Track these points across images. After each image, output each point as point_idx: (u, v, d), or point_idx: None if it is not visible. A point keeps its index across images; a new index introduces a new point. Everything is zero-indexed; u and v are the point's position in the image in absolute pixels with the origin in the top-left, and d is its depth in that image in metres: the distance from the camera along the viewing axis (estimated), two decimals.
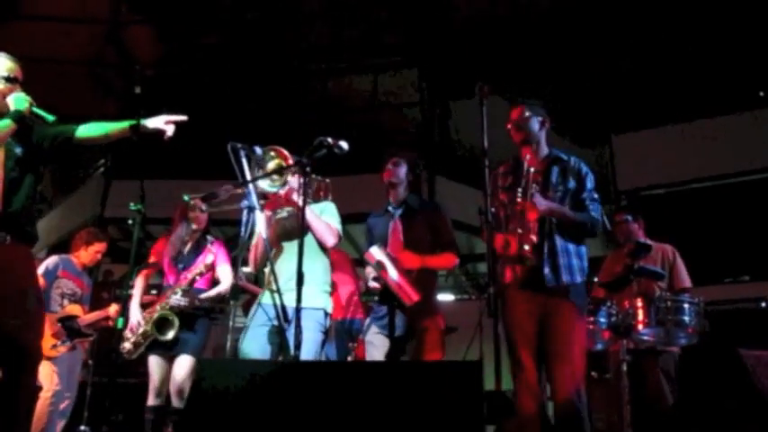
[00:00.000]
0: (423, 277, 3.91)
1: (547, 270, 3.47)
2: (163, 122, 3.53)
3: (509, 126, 3.74)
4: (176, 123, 3.56)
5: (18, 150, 3.42)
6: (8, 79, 3.41)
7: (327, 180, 3.65)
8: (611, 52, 8.83)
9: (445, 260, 4.10)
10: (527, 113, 3.70)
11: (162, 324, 4.62)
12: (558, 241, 3.53)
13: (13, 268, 3.31)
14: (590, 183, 3.65)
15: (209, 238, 4.95)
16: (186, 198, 4.59)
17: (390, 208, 4.26)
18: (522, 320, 3.46)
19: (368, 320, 4.24)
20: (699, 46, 8.27)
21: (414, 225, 4.12)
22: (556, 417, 3.49)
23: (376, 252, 3.77)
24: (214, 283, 4.87)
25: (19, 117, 3.31)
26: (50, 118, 3.39)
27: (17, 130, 3.33)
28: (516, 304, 3.48)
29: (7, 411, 3.18)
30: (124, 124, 3.51)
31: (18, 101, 3.33)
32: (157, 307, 4.68)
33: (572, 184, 3.62)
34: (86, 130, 3.58)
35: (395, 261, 3.80)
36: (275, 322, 3.62)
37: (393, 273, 3.71)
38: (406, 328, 3.92)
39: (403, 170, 4.22)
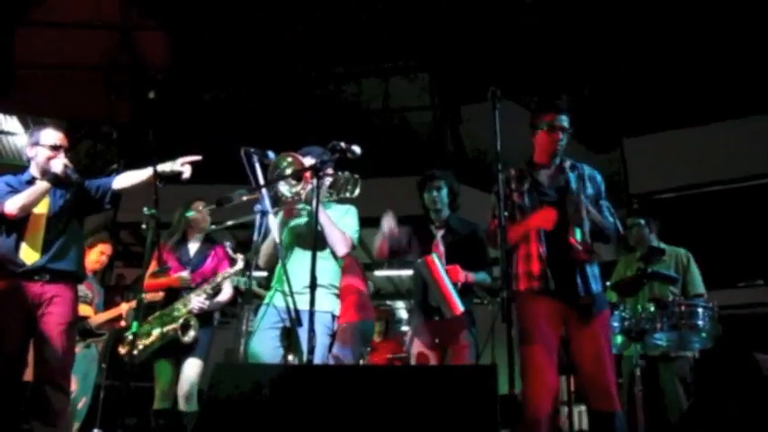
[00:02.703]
0: (464, 292, 4.19)
1: (579, 281, 3.42)
2: (179, 164, 3.88)
3: (547, 129, 3.59)
4: (192, 164, 3.88)
5: (59, 203, 3.95)
6: (53, 147, 3.95)
7: (356, 176, 3.66)
8: (623, 56, 8.80)
9: (483, 278, 4.36)
10: (565, 125, 3.57)
11: (184, 326, 4.63)
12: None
13: (54, 306, 3.80)
14: (604, 189, 3.64)
15: (215, 242, 4.98)
16: (189, 214, 4.69)
17: (432, 228, 4.49)
18: (545, 326, 3.40)
19: (409, 333, 4.52)
20: (712, 48, 8.23)
21: (455, 246, 4.37)
22: (592, 422, 3.50)
23: (435, 260, 4.09)
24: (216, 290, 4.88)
25: (54, 178, 3.86)
26: (74, 176, 3.91)
27: (56, 187, 3.91)
28: (539, 309, 3.43)
29: (43, 412, 3.67)
30: (148, 171, 3.91)
31: (55, 164, 3.88)
32: (180, 306, 4.68)
33: (590, 190, 3.57)
34: (121, 181, 4.05)
35: (447, 272, 4.11)
36: (285, 324, 3.64)
37: (446, 281, 4.04)
38: (445, 339, 4.24)
39: (444, 193, 4.46)
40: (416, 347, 4.36)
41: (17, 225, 3.80)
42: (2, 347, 3.68)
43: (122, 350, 4.91)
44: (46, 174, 3.90)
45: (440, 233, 4.45)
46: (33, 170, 3.99)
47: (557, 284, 3.40)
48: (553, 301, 3.42)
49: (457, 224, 4.48)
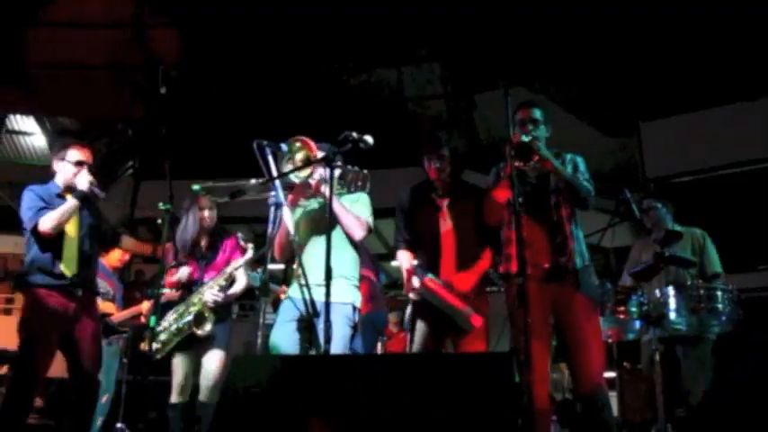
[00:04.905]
0: (480, 282, 4.04)
1: (563, 258, 3.56)
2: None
3: (518, 125, 3.75)
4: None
5: (88, 220, 4.23)
6: (78, 163, 4.15)
7: (365, 171, 3.65)
8: (639, 38, 8.71)
9: (491, 257, 4.10)
10: (538, 117, 3.77)
11: (198, 319, 4.61)
12: (566, 227, 3.62)
13: (87, 315, 4.14)
14: (582, 166, 3.77)
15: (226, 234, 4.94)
16: (197, 187, 4.57)
17: (436, 198, 4.18)
18: (534, 312, 3.42)
19: (409, 310, 4.27)
20: (728, 29, 8.14)
21: (463, 214, 4.08)
22: (582, 407, 3.50)
23: (434, 280, 3.89)
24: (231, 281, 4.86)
25: (82, 196, 4.08)
26: (102, 194, 4.17)
27: (83, 203, 4.13)
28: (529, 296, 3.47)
29: (79, 409, 4.07)
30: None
31: (81, 180, 4.09)
32: (195, 300, 4.66)
33: (569, 169, 3.72)
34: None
35: (450, 287, 3.88)
36: (304, 316, 3.64)
37: (455, 297, 3.84)
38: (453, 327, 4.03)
39: (447, 162, 4.14)
40: (420, 327, 4.06)
41: (55, 240, 4.04)
42: (39, 354, 3.97)
43: (144, 346, 4.92)
44: (71, 188, 4.13)
45: (445, 203, 4.15)
46: (60, 182, 4.21)
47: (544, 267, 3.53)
48: (541, 287, 3.48)
49: (463, 190, 4.19)
